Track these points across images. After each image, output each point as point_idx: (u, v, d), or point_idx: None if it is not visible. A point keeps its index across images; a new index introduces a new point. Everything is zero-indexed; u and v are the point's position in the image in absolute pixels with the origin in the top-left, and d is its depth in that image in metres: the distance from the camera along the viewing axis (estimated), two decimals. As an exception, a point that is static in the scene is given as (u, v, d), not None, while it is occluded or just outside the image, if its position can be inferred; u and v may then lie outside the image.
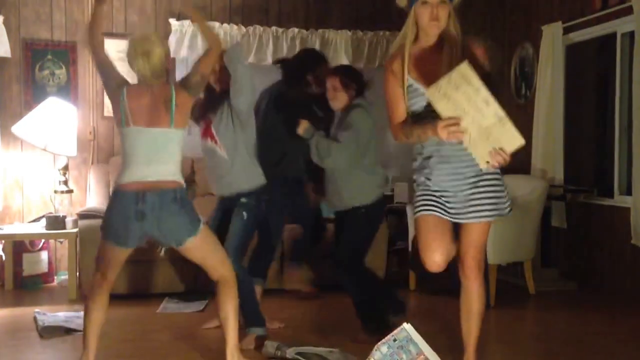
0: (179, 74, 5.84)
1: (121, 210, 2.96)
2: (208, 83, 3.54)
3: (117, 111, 3.06)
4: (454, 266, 3.09)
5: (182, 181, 3.03)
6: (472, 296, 3.04)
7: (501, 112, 2.64)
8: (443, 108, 2.67)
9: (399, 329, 3.11)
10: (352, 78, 3.86)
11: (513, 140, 2.69)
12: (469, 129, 2.65)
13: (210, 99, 3.75)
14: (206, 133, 3.77)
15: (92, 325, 3.11)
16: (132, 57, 3.06)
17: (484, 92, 2.62)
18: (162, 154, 2.99)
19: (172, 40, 5.73)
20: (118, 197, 3.01)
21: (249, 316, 3.68)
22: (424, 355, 3.04)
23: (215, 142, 3.71)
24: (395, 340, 3.09)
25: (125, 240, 2.99)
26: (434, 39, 2.88)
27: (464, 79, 2.60)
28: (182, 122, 3.03)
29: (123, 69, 5.96)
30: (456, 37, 2.86)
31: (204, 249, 3.09)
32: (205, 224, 3.18)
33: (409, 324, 3.07)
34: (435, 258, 2.90)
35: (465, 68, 2.61)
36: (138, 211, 2.91)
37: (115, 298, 4.78)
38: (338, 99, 3.82)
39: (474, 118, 2.64)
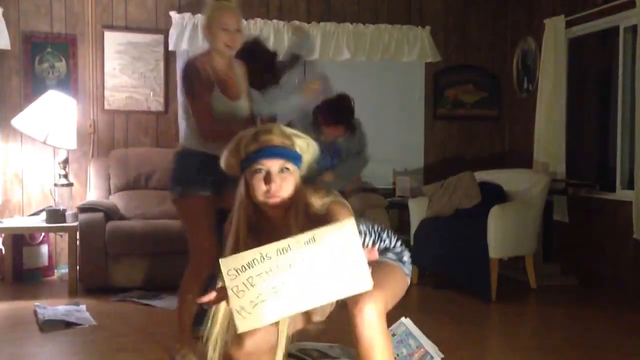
0: (180, 67, 5.83)
1: None
2: None
3: None
4: None
5: None
6: None
7: (301, 236, 1.87)
8: (272, 316, 1.87)
9: (397, 323, 3.10)
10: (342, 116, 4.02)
11: (345, 233, 1.88)
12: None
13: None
14: None
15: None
16: None
17: (271, 248, 1.87)
18: None
19: (173, 33, 5.71)
20: None
21: None
22: (424, 348, 3.03)
23: None
24: (394, 334, 3.08)
25: None
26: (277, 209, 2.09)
27: (242, 270, 1.87)
28: None
29: (122, 61, 5.97)
30: (307, 213, 2.05)
31: None
32: None
33: (407, 319, 3.06)
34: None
35: (226, 264, 1.86)
36: None
37: (113, 291, 4.81)
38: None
39: (301, 277, 1.87)
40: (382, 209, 5.46)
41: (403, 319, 3.05)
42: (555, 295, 5.00)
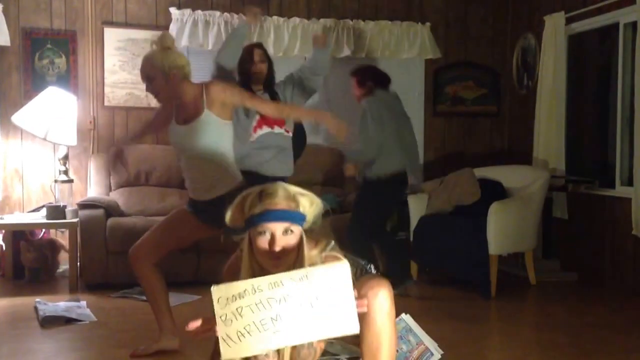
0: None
1: None
2: None
3: None
4: None
5: None
6: None
7: (295, 273, 1.93)
8: (256, 348, 1.90)
9: (397, 319, 3.10)
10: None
11: (339, 275, 1.93)
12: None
13: None
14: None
15: None
16: None
17: (264, 282, 1.91)
18: None
19: (173, 29, 5.70)
20: None
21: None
22: (424, 345, 3.04)
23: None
24: (396, 331, 3.08)
25: None
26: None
27: (233, 300, 1.91)
28: None
29: (122, 57, 5.96)
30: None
31: None
32: None
33: (407, 315, 3.07)
34: None
35: (217, 292, 1.93)
36: None
37: (114, 287, 4.81)
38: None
39: (289, 313, 1.89)
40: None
41: (403, 315, 3.06)
42: (555, 292, 5.01)
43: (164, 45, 3.26)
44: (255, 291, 1.88)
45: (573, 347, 3.60)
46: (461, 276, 5.00)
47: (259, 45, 4.17)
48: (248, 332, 1.87)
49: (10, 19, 5.48)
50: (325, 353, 3.29)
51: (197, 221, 3.33)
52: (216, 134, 3.23)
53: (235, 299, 1.88)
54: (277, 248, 2.00)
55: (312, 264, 2.03)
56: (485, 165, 5.81)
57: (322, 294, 1.89)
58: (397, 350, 3.03)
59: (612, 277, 5.20)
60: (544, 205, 5.18)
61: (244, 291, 1.88)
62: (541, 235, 5.44)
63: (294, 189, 2.09)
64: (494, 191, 5.15)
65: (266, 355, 2.00)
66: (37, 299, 4.41)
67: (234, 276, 2.04)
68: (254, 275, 2.03)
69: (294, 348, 2.03)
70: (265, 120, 3.90)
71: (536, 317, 4.47)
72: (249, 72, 3.98)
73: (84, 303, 4.39)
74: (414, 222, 5.36)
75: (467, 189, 5.15)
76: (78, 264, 5.07)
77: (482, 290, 4.73)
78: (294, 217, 2.03)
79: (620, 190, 5.22)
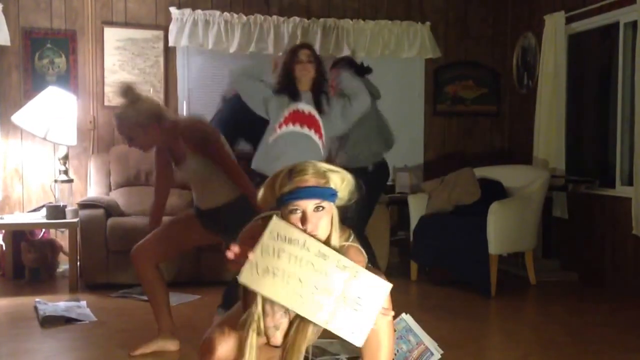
0: (180, 63, 5.83)
1: None
2: None
3: None
4: None
5: None
6: None
7: (347, 261, 1.97)
8: (270, 291, 1.93)
9: (397, 319, 3.10)
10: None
11: (377, 289, 1.97)
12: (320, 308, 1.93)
13: None
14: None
15: None
16: None
17: (315, 245, 1.96)
18: None
19: (173, 29, 5.70)
20: None
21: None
22: (424, 344, 3.04)
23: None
24: (394, 330, 3.08)
25: None
26: None
27: (283, 240, 1.96)
28: None
29: (122, 57, 5.96)
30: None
31: None
32: None
33: (407, 315, 3.07)
34: None
35: (276, 224, 1.97)
36: None
37: (114, 287, 4.81)
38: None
39: (318, 285, 1.93)
40: (381, 206, 5.46)
41: (403, 315, 3.06)
42: (555, 291, 5.01)
43: (133, 99, 3.22)
44: (303, 247, 1.94)
45: (573, 346, 3.60)
46: (461, 276, 5.00)
47: (307, 46, 3.87)
48: (273, 274, 1.92)
49: (10, 18, 5.48)
50: (325, 353, 3.29)
51: (201, 227, 3.37)
52: (209, 165, 3.25)
53: (284, 240, 1.94)
54: (310, 225, 2.00)
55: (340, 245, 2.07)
56: (485, 164, 5.80)
57: (352, 295, 1.93)
58: (397, 350, 3.03)
59: (612, 276, 5.20)
60: (544, 205, 5.18)
61: (295, 240, 1.94)
62: (541, 235, 5.44)
63: (325, 165, 2.09)
64: (494, 191, 5.15)
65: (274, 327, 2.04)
66: (37, 299, 4.41)
67: (253, 236, 2.04)
68: None
69: (303, 321, 2.03)
70: (296, 116, 3.66)
71: (536, 317, 4.47)
72: (293, 73, 3.70)
73: (84, 303, 4.39)
74: (414, 221, 5.36)
75: (467, 189, 5.15)
76: (78, 263, 5.07)
77: (482, 290, 4.73)
78: (325, 193, 2.04)
79: (620, 190, 5.22)
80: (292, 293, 1.91)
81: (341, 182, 2.09)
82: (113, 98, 5.71)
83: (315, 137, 3.67)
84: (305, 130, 3.65)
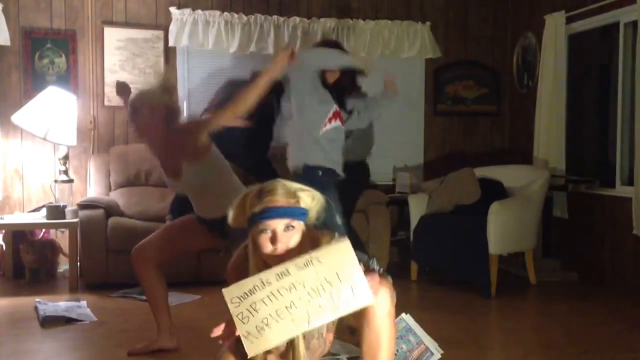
0: (180, 63, 5.82)
1: None
2: None
3: None
4: None
5: None
6: None
7: (299, 260, 1.96)
8: (278, 338, 1.94)
9: (397, 319, 3.10)
10: None
11: (342, 252, 1.97)
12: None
13: None
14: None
15: None
16: None
17: (271, 276, 1.95)
18: None
19: (173, 29, 5.70)
20: None
21: None
22: (424, 344, 3.04)
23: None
24: (396, 331, 3.08)
25: None
26: None
27: (244, 298, 1.94)
28: None
29: (122, 57, 5.95)
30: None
31: None
32: None
33: (407, 314, 3.07)
34: None
35: (228, 292, 1.95)
36: None
37: (114, 287, 4.81)
38: None
39: (302, 299, 1.94)
40: (382, 205, 5.47)
41: (403, 315, 3.06)
42: (555, 291, 5.00)
43: (169, 88, 3.27)
44: (264, 285, 1.93)
45: (573, 346, 3.60)
46: (461, 276, 5.00)
47: (333, 42, 4.22)
48: (267, 325, 1.92)
49: (10, 18, 5.48)
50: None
51: (205, 230, 3.33)
52: (210, 172, 3.22)
53: (247, 295, 1.93)
54: (279, 244, 2.01)
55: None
56: (485, 164, 5.80)
57: (329, 274, 1.94)
58: (398, 350, 3.03)
59: (613, 276, 5.19)
60: (544, 204, 5.18)
61: (254, 287, 1.93)
62: (541, 235, 5.44)
63: (294, 185, 2.09)
64: (494, 191, 5.14)
65: (276, 348, 2.01)
66: (37, 299, 4.41)
67: (239, 273, 2.06)
68: (260, 272, 2.04)
69: (304, 339, 2.03)
70: (337, 113, 3.89)
71: (536, 317, 4.47)
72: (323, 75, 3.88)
73: (84, 303, 4.39)
74: (414, 221, 5.36)
75: (467, 189, 5.15)
76: (78, 264, 5.07)
77: (482, 289, 4.73)
78: (295, 212, 2.04)
79: (620, 190, 5.21)
80: (292, 322, 1.93)
81: (311, 200, 2.09)
82: (113, 98, 5.71)
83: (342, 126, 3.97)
84: (339, 124, 3.94)
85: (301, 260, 1.95)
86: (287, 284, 1.93)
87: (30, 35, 5.55)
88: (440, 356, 3.06)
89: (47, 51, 5.58)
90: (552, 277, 5.36)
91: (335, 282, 1.94)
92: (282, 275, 1.93)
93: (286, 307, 1.92)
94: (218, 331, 2.01)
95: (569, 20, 5.59)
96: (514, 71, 6.42)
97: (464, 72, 6.49)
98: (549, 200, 5.44)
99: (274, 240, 2.02)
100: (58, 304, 4.31)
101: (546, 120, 5.69)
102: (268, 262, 2.06)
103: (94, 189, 5.46)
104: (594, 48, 5.91)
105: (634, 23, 5.01)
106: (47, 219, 5.01)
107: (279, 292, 1.92)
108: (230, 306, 1.93)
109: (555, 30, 5.63)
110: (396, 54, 6.20)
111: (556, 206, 5.59)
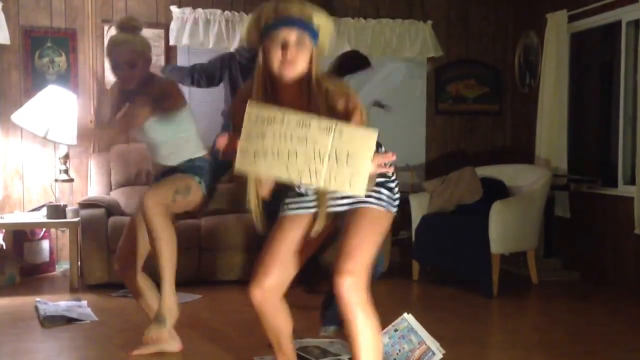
0: (180, 62, 5.81)
1: None
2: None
3: None
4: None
5: None
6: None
7: (327, 122, 1.99)
8: (266, 171, 2.02)
9: (399, 319, 3.09)
10: None
11: (365, 139, 1.99)
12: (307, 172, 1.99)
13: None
14: None
15: None
16: None
17: (294, 117, 1.99)
18: None
19: (173, 27, 5.69)
20: None
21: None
22: (426, 344, 3.03)
23: None
24: (396, 330, 3.08)
25: None
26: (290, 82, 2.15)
27: (262, 122, 1.99)
28: None
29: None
30: (319, 93, 2.13)
31: None
32: None
33: (409, 314, 3.06)
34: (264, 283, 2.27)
35: (252, 107, 2.01)
36: None
37: (115, 287, 4.80)
38: None
39: (306, 154, 1.98)
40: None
41: (405, 314, 3.05)
42: (557, 290, 4.99)
43: (139, 28, 3.32)
44: (283, 122, 1.98)
45: (575, 345, 3.59)
46: (463, 275, 4.99)
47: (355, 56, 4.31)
48: (264, 154, 1.99)
49: (10, 17, 5.47)
50: (326, 353, 3.28)
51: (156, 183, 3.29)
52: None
53: (264, 121, 1.98)
54: (289, 52, 2.07)
55: (321, 86, 2.12)
56: (487, 164, 5.79)
57: (341, 151, 1.97)
58: (399, 350, 3.02)
59: (614, 276, 5.18)
60: (546, 204, 5.17)
61: (274, 117, 1.98)
62: (543, 234, 5.42)
63: (311, 5, 2.15)
64: (495, 190, 5.13)
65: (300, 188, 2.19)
66: (38, 299, 4.41)
67: (245, 100, 2.08)
68: (265, 93, 2.14)
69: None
70: None
71: (538, 316, 4.46)
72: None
73: (84, 302, 4.38)
74: (415, 221, 5.34)
75: (468, 188, 5.14)
76: (79, 263, 5.06)
77: (483, 289, 4.72)
78: (307, 26, 2.10)
79: (622, 189, 5.20)
80: (285, 167, 1.98)
81: (324, 23, 2.15)
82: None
83: None
84: None
85: (325, 122, 1.97)
86: (301, 135, 1.97)
87: (30, 34, 5.53)
88: (442, 356, 3.05)
89: (47, 50, 5.57)
90: (554, 276, 5.35)
91: (342, 160, 1.97)
92: (302, 124, 1.97)
93: (288, 152, 1.97)
94: (223, 141, 2.07)
95: (571, 19, 5.58)
96: (515, 70, 6.40)
97: (466, 71, 6.48)
98: (551, 200, 5.43)
99: (284, 47, 2.07)
100: (58, 304, 4.30)
101: (548, 120, 5.68)
102: (275, 75, 2.11)
103: (95, 189, 5.45)
104: (596, 47, 5.89)
105: (636, 22, 5.00)
106: (48, 218, 5.00)
107: (291, 136, 1.97)
108: (246, 120, 1.98)
109: (557, 29, 5.62)
110: (397, 53, 6.18)
111: (558, 206, 5.58)
